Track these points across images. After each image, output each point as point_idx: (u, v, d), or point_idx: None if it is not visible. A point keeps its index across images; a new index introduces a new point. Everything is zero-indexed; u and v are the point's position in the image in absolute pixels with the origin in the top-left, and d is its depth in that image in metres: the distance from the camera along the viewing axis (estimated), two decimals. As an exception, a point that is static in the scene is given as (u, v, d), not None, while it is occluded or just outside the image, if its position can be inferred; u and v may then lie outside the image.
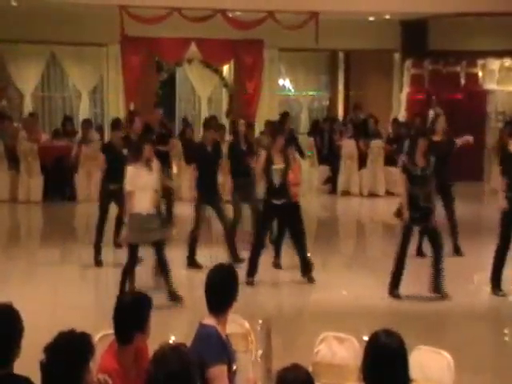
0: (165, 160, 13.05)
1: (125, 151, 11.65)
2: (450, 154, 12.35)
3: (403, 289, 10.24)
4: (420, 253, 12.10)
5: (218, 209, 11.80)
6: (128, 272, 9.79)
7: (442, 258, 10.16)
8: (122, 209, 11.15)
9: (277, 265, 11.74)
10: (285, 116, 16.34)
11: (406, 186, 10.18)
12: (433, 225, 10.20)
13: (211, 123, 12.68)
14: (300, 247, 10.97)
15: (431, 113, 20.98)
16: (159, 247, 9.90)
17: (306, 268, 10.99)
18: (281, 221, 11.37)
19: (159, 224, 9.96)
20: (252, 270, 10.84)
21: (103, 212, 12.04)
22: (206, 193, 11.57)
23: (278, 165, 10.82)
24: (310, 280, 10.91)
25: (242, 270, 10.18)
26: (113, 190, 11.54)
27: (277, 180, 10.79)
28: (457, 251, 12.44)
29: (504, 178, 10.58)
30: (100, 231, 12.04)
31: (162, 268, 9.99)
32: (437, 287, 10.16)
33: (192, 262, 11.68)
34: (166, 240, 10.52)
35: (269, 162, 10.84)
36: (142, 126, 12.97)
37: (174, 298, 9.87)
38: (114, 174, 11.38)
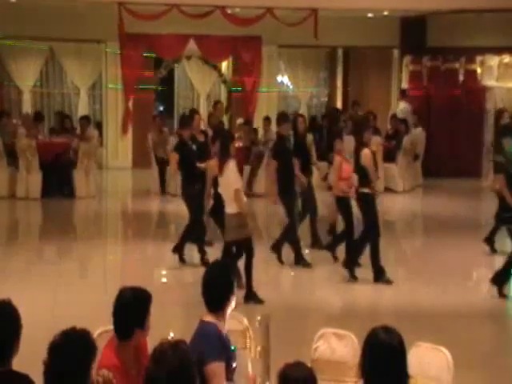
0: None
1: (194, 148, 11.61)
2: None
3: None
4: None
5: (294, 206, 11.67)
6: (251, 265, 9.70)
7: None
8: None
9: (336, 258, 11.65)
10: (333, 111, 16.28)
11: (505, 184, 10.14)
12: None
13: (286, 118, 12.42)
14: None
15: (401, 106, 21.10)
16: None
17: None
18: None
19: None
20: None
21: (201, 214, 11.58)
22: (290, 187, 11.52)
23: None
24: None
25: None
26: (198, 189, 11.35)
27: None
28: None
29: None
30: (203, 232, 11.67)
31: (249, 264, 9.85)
32: (499, 284, 10.13)
33: (300, 260, 11.52)
34: None
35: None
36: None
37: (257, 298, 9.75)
38: (192, 173, 11.37)
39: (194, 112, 13.29)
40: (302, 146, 12.51)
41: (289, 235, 11.56)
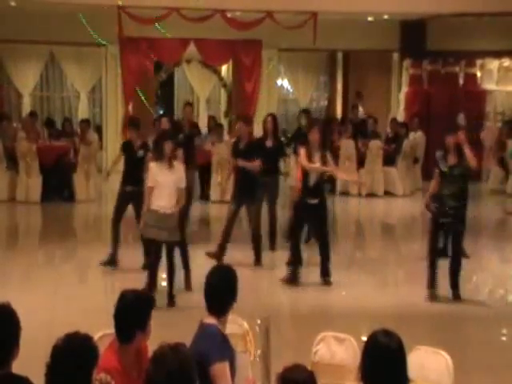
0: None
1: (141, 153, 11.47)
2: None
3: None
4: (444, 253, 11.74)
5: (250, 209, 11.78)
6: (153, 269, 9.75)
7: (458, 261, 10.09)
8: (138, 211, 10.86)
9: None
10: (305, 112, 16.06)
11: (436, 179, 10.12)
12: (457, 226, 10.04)
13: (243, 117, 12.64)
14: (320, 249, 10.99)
15: (360, 111, 21.10)
16: (170, 248, 9.80)
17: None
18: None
19: (174, 225, 9.70)
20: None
21: (117, 213, 11.71)
22: (240, 189, 11.65)
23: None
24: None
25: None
26: (129, 192, 11.34)
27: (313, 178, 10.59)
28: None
29: None
30: (115, 233, 11.77)
31: (168, 269, 9.88)
32: (453, 287, 10.13)
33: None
34: (182, 242, 10.34)
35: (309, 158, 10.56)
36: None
37: (171, 301, 9.83)
38: (131, 175, 11.38)
39: (160, 116, 13.45)
40: (265, 145, 12.43)
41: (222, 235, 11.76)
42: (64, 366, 3.87)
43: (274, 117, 13.03)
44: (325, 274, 10.84)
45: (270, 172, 12.31)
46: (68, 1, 17.90)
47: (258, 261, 11.81)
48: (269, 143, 12.51)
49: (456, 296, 10.11)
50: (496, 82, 21.44)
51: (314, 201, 10.55)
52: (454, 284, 10.12)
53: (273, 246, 12.76)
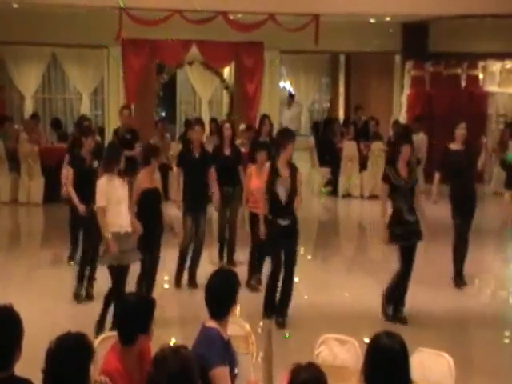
0: (133, 166, 11.55)
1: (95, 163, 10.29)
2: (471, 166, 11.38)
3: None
4: None
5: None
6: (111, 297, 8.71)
7: (398, 279, 9.58)
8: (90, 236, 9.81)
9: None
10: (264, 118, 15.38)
11: (385, 197, 9.74)
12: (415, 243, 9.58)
13: (199, 122, 11.57)
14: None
15: (288, 114, 21.06)
16: (125, 270, 8.86)
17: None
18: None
19: (135, 244, 8.90)
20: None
21: (75, 240, 10.89)
22: (189, 202, 10.94)
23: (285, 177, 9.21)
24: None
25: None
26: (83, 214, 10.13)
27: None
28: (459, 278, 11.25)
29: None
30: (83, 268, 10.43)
31: (111, 292, 8.83)
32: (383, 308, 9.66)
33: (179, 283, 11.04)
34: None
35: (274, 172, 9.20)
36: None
37: (99, 327, 8.35)
38: (83, 193, 10.04)
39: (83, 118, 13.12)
40: (224, 154, 11.60)
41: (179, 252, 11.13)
42: (59, 365, 3.87)
43: (232, 122, 12.40)
44: (281, 313, 9.34)
45: (230, 182, 11.49)
46: (70, 2, 17.90)
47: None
48: (227, 152, 11.67)
49: None
50: (498, 83, 21.43)
51: (285, 222, 9.14)
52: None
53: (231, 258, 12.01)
